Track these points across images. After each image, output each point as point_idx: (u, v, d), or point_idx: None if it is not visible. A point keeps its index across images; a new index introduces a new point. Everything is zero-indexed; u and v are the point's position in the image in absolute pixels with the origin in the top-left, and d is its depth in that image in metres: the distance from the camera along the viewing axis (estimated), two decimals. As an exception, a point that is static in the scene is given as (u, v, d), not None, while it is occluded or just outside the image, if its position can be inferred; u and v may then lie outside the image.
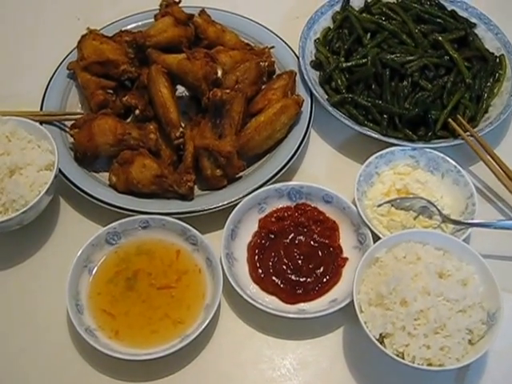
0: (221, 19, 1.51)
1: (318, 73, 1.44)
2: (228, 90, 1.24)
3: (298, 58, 1.44)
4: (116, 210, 1.22)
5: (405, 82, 1.35)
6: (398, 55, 1.38)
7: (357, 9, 1.53)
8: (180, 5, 1.52)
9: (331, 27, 1.51)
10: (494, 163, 1.29)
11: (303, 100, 1.33)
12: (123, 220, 1.20)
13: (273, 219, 1.24)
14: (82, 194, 1.24)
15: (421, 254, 1.10)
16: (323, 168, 1.37)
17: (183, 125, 1.31)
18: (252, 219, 1.24)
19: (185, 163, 1.26)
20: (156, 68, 1.30)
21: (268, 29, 1.52)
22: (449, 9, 1.52)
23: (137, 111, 1.30)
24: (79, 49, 1.41)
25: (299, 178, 1.34)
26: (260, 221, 1.24)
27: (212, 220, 1.23)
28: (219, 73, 1.29)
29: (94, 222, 1.27)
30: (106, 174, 1.28)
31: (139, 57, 1.36)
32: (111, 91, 1.35)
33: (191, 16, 1.41)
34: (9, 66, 1.57)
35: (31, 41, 1.62)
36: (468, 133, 1.32)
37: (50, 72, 1.45)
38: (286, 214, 1.25)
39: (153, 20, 1.49)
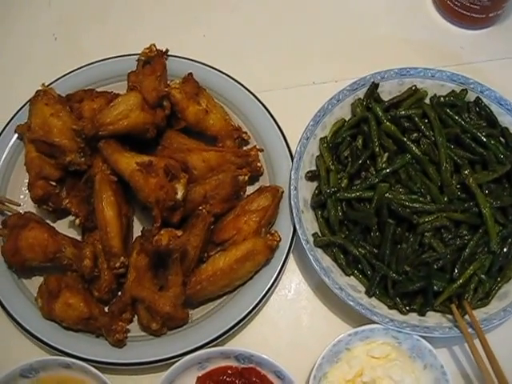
0: (212, 82, 1.22)
1: (313, 184, 1.16)
2: (180, 233, 0.99)
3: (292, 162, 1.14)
4: (33, 339, 1.06)
5: (411, 238, 1.07)
6: (414, 197, 1.08)
7: (387, 97, 1.20)
8: (171, 52, 1.25)
9: (347, 119, 1.19)
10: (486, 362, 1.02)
11: (278, 241, 1.07)
12: (40, 358, 1.05)
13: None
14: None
15: None
16: (291, 314, 1.13)
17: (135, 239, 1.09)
18: (189, 379, 1.06)
19: (122, 298, 1.06)
20: (101, 177, 1.05)
21: (268, 110, 1.20)
22: (503, 119, 1.17)
23: (77, 221, 1.07)
24: (29, 111, 1.15)
25: (258, 323, 1.11)
26: (198, 379, 1.06)
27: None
28: (179, 194, 1.03)
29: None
30: (39, 281, 1.10)
31: (92, 144, 1.10)
32: (54, 183, 1.11)
33: (165, 95, 1.11)
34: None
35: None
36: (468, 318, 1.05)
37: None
38: (228, 380, 1.06)
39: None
